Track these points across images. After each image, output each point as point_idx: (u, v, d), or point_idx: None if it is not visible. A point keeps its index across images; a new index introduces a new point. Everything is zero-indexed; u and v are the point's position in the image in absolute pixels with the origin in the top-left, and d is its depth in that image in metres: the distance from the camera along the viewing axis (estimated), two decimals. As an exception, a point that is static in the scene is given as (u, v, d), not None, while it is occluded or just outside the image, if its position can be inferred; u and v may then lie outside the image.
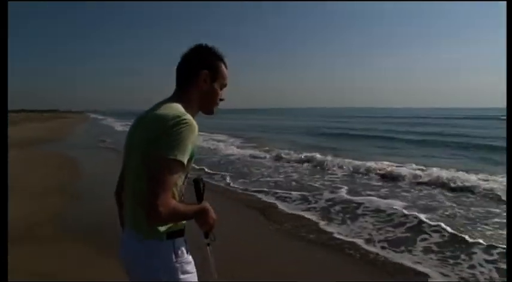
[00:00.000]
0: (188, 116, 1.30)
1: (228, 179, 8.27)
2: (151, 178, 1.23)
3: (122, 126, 31.08)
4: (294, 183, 7.97)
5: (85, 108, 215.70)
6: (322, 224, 5.04)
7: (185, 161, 1.26)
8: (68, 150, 13.82)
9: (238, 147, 15.34)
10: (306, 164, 10.33)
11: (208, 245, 1.48)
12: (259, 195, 6.74)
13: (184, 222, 1.40)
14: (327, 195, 6.62)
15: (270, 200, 6.41)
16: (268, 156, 12.08)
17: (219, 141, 17.68)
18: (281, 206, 6.02)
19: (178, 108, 1.34)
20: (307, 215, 5.46)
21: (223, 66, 1.51)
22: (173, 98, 1.44)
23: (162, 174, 1.22)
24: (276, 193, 6.87)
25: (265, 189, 7.22)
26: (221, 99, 1.54)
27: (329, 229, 4.81)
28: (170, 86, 1.51)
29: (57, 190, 6.92)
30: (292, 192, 6.85)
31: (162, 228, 1.32)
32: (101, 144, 16.83)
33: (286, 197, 6.54)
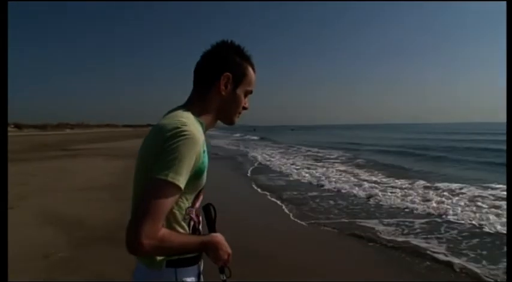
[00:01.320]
0: (189, 127, 1.08)
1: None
2: (138, 202, 1.04)
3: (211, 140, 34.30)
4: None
5: None
6: None
7: (181, 182, 1.04)
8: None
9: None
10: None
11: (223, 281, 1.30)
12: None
13: None
14: None
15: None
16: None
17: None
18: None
19: (182, 117, 1.13)
20: None
21: (250, 70, 1.28)
22: (187, 104, 1.24)
23: (149, 198, 1.01)
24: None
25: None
26: (244, 108, 1.31)
27: None
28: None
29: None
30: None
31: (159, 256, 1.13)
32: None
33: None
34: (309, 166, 13.68)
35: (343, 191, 8.44)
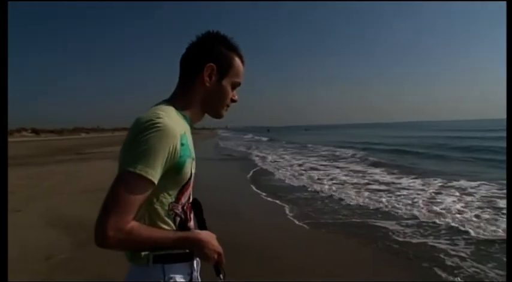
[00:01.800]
0: (163, 119, 1.04)
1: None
2: (107, 194, 1.01)
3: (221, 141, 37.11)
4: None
5: (217, 125, 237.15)
6: None
7: (150, 175, 1.01)
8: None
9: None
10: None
11: None
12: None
13: None
14: None
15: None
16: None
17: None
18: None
19: (160, 110, 1.10)
20: None
21: (237, 60, 1.23)
22: (171, 98, 1.21)
23: (117, 190, 0.99)
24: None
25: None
26: (233, 101, 1.27)
27: None
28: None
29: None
30: None
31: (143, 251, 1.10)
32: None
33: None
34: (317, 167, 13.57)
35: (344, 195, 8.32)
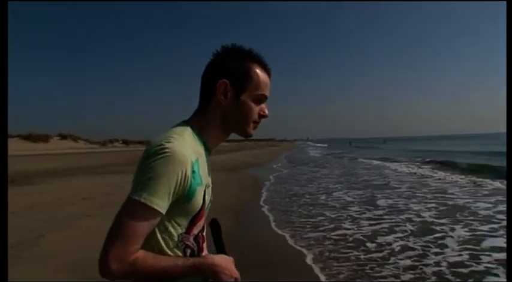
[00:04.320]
0: (173, 144, 0.97)
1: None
2: (112, 223, 0.97)
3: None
4: None
5: (299, 137, 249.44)
6: None
7: (156, 204, 0.94)
8: (256, 173, 16.87)
9: None
10: None
11: None
12: None
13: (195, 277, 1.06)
14: None
15: None
16: None
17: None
18: None
19: (175, 132, 1.04)
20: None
21: (257, 71, 1.11)
22: (189, 119, 1.14)
23: (120, 220, 0.95)
24: None
25: None
26: (262, 116, 1.15)
27: None
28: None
29: (230, 210, 7.65)
30: None
31: None
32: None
33: None
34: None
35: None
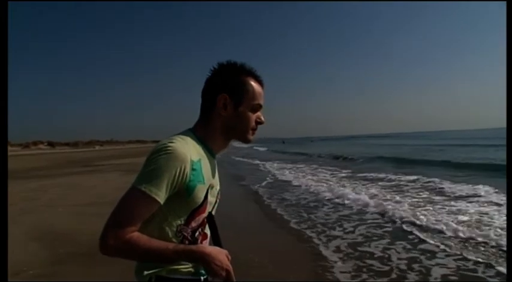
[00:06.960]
0: (175, 144, 1.11)
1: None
2: (115, 206, 1.10)
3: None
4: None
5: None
6: None
7: (155, 194, 1.07)
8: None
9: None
10: None
11: None
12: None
13: (188, 264, 1.16)
14: None
15: None
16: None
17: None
18: None
19: (177, 136, 1.17)
20: None
21: (251, 84, 1.25)
22: (192, 128, 1.27)
23: (121, 204, 1.08)
24: None
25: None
26: (259, 123, 1.28)
27: None
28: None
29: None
30: None
31: (146, 269, 1.12)
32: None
33: None
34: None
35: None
